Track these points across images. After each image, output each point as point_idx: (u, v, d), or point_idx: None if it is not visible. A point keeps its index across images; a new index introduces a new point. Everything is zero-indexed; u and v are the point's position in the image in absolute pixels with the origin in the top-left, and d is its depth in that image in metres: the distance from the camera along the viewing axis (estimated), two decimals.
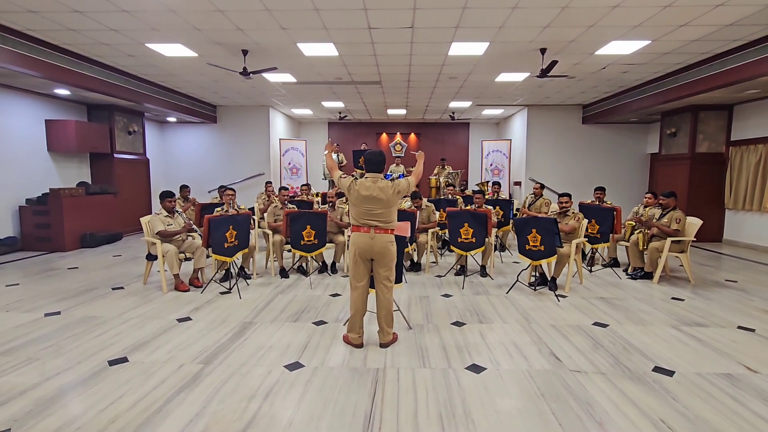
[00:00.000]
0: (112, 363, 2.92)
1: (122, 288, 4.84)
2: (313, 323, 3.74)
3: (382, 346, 3.23)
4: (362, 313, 3.22)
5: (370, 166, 3.20)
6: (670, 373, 2.81)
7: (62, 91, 7.27)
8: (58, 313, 3.96)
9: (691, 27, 5.05)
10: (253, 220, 6.46)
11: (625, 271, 5.66)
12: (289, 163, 11.43)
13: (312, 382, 2.67)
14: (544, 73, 6.03)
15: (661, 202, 5.26)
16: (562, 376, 2.77)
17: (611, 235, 5.56)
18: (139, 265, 5.90)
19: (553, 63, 5.74)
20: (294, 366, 2.90)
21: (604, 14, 4.72)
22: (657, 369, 2.87)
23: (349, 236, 3.78)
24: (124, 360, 2.97)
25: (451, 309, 4.14)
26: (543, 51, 5.95)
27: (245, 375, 2.76)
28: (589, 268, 5.84)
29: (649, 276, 5.27)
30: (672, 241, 5.01)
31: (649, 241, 5.26)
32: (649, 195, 5.86)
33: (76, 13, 4.78)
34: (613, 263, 5.92)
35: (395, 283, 3.62)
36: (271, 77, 7.72)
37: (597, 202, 6.02)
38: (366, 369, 2.86)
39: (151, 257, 4.92)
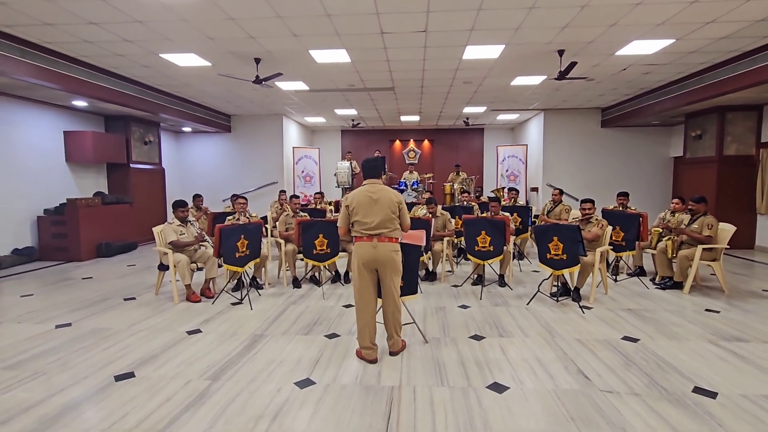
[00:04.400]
0: (118, 378, 2.83)
1: (134, 299, 4.80)
2: (325, 336, 3.60)
3: (393, 353, 3.16)
4: (371, 327, 3.07)
5: (366, 172, 3.14)
6: (713, 395, 2.58)
7: (80, 103, 7.37)
8: (69, 324, 3.91)
9: (719, 24, 4.81)
10: (266, 228, 6.40)
11: (653, 280, 5.38)
12: (303, 171, 11.41)
13: (323, 401, 2.53)
14: (562, 75, 5.84)
15: (690, 207, 4.99)
16: (593, 396, 2.56)
17: (637, 242, 5.29)
18: (152, 275, 5.86)
19: (572, 64, 5.55)
20: (305, 383, 2.76)
21: (626, 12, 4.53)
22: (697, 390, 2.64)
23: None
24: (130, 375, 2.88)
25: (469, 321, 3.96)
26: (561, 53, 5.76)
27: (254, 393, 2.64)
28: (614, 277, 5.58)
29: (678, 286, 4.98)
30: (703, 249, 4.73)
31: (678, 248, 4.99)
32: (676, 200, 5.58)
33: (92, 25, 4.81)
34: (640, 272, 5.64)
35: (410, 293, 3.50)
36: (283, 85, 7.71)
37: (620, 208, 5.77)
38: (380, 387, 2.70)
39: (163, 267, 4.86)
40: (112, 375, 2.88)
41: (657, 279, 5.28)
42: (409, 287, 3.47)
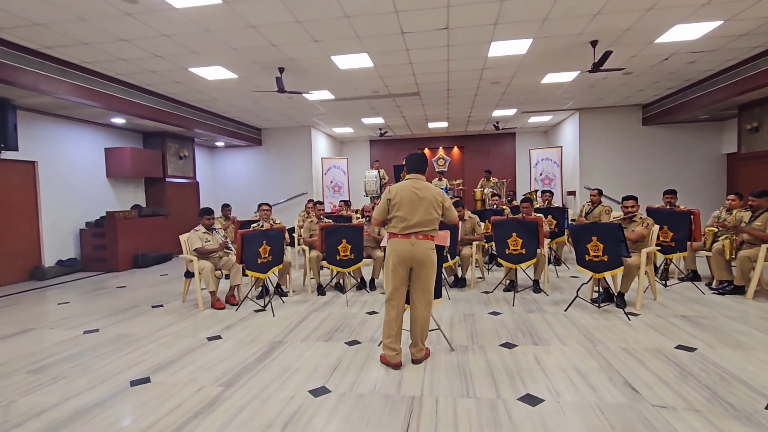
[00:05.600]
0: (134, 383, 2.78)
1: (161, 306, 4.84)
2: (345, 343, 3.43)
3: (415, 362, 2.96)
4: (399, 327, 2.89)
5: (410, 165, 2.99)
6: None
7: (118, 120, 7.74)
8: (97, 330, 3.96)
9: None
10: (292, 237, 6.38)
11: (709, 285, 4.85)
12: (332, 182, 11.45)
13: (337, 411, 2.35)
14: (596, 67, 5.50)
15: (751, 203, 4.47)
16: (643, 412, 2.23)
17: (689, 243, 4.80)
18: (182, 284, 5.94)
19: (607, 54, 5.20)
20: (319, 391, 2.59)
21: None
22: None
23: (384, 246, 3.49)
24: (146, 380, 2.82)
25: (499, 328, 3.66)
26: (594, 44, 5.43)
27: (266, 400, 2.49)
28: (664, 282, 5.08)
29: (740, 291, 4.45)
30: None
31: (738, 249, 4.47)
32: (732, 197, 5.06)
33: (123, 42, 5.01)
34: (693, 276, 5.11)
35: (435, 298, 3.26)
36: (310, 95, 7.76)
37: (668, 207, 5.28)
38: (400, 397, 2.49)
39: (189, 274, 4.89)
40: (128, 380, 2.83)
41: (714, 284, 4.76)
42: (434, 290, 3.25)
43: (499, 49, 5.60)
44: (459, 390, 2.54)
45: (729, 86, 6.79)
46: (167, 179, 9.06)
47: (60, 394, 2.65)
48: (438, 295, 3.30)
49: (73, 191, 7.45)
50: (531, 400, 2.39)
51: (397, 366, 2.86)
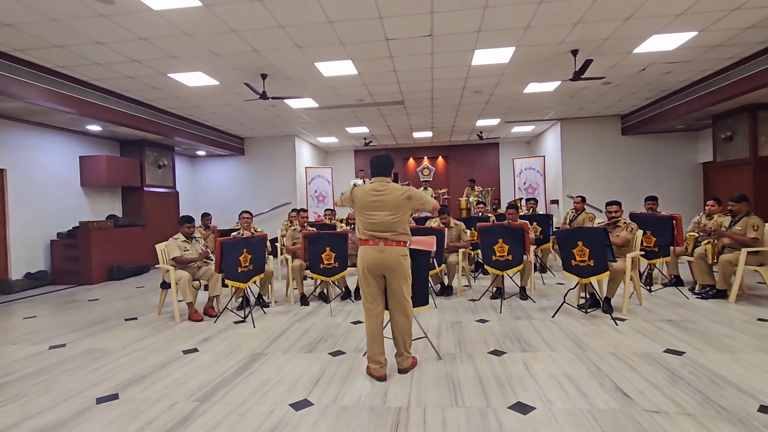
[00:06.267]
0: (100, 401, 2.59)
1: (135, 318, 4.61)
2: (329, 354, 3.30)
3: (402, 371, 2.84)
4: (379, 338, 2.77)
5: (375, 168, 2.86)
6: None
7: (94, 127, 7.49)
8: (64, 345, 3.72)
9: (745, 11, 4.49)
10: (274, 246, 6.21)
11: (692, 290, 4.89)
12: (316, 191, 11.33)
13: (320, 425, 2.21)
14: (577, 75, 5.58)
15: (730, 208, 4.54)
16: (636, 418, 2.17)
17: (671, 248, 4.84)
18: (159, 296, 5.71)
19: (588, 62, 5.28)
20: (301, 404, 2.45)
21: (642, 2, 4.27)
22: (765, 409, 2.21)
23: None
24: (114, 397, 2.63)
25: (487, 335, 3.58)
26: (575, 53, 5.52)
27: (243, 415, 2.34)
28: (648, 287, 5.10)
29: (722, 294, 4.49)
30: (748, 253, 4.26)
31: (720, 253, 4.52)
32: (711, 202, 5.14)
33: (99, 45, 4.85)
34: (676, 281, 5.15)
35: (421, 305, 3.19)
36: (293, 103, 7.68)
37: (650, 213, 5.34)
38: (386, 408, 2.37)
39: (166, 285, 4.68)
40: (94, 397, 2.63)
41: (697, 288, 4.80)
42: (419, 298, 3.17)
43: (483, 57, 5.64)
44: (447, 399, 2.44)
45: (703, 96, 7.00)
46: (145, 189, 8.80)
47: (18, 413, 2.44)
48: (424, 302, 3.21)
49: (45, 200, 7.14)
50: (522, 408, 2.31)
51: (382, 378, 2.74)
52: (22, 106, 5.91)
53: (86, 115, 6.35)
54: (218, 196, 11.33)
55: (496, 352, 3.18)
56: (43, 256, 7.11)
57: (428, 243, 3.27)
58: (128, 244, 7.95)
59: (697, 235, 4.97)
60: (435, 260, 4.72)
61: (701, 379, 2.60)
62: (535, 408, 2.30)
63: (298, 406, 2.43)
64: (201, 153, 10.91)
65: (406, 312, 2.78)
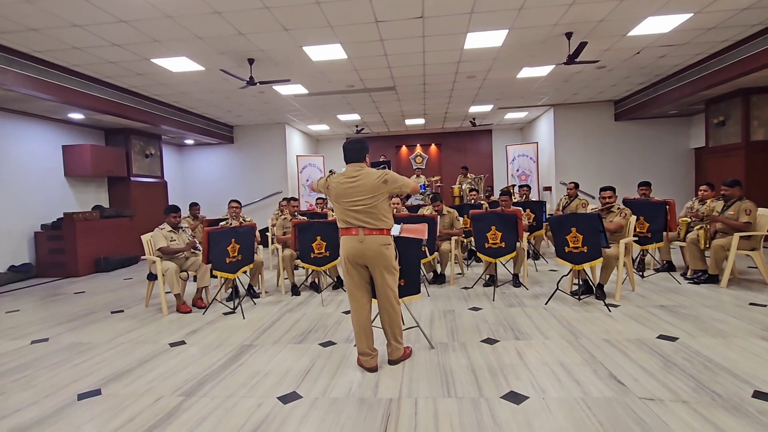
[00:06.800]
0: (81, 396, 2.50)
1: (122, 311, 4.51)
2: (319, 344, 3.24)
3: (392, 362, 2.76)
4: (366, 331, 2.70)
5: (348, 154, 2.71)
6: None
7: (77, 116, 7.26)
8: (46, 339, 3.62)
9: None
10: (265, 236, 6.11)
11: (684, 275, 4.89)
12: (307, 180, 11.18)
13: (308, 418, 2.16)
14: (571, 59, 5.47)
15: (723, 192, 4.51)
16: (630, 406, 2.13)
17: (664, 233, 4.82)
18: (146, 287, 5.60)
19: (582, 45, 5.17)
20: (289, 397, 2.39)
21: None
22: (759, 395, 2.19)
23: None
24: (96, 393, 2.55)
25: (480, 324, 3.54)
26: (569, 36, 5.40)
27: (230, 409, 2.28)
28: (640, 273, 5.09)
29: (714, 280, 4.49)
30: (741, 237, 4.25)
31: (712, 238, 4.51)
32: (704, 187, 5.12)
33: (76, 27, 4.65)
34: (668, 267, 5.14)
35: (412, 293, 3.13)
36: (282, 89, 7.50)
37: (644, 198, 5.30)
38: (377, 400, 2.32)
39: (153, 277, 4.58)
40: (75, 393, 2.55)
41: (689, 273, 4.81)
42: (410, 286, 3.11)
43: (475, 40, 5.51)
44: (439, 390, 2.39)
45: (697, 80, 6.94)
46: (132, 178, 8.60)
47: None
48: (416, 290, 3.15)
49: (27, 191, 6.94)
50: (515, 397, 2.27)
51: (373, 370, 2.68)
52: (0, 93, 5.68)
53: (67, 102, 6.14)
54: (208, 186, 11.15)
55: (489, 341, 3.14)
56: (28, 249, 6.94)
57: (419, 231, 3.19)
58: (115, 235, 7.79)
59: (689, 220, 4.95)
60: (427, 248, 4.66)
61: (695, 365, 2.57)
62: (528, 397, 2.26)
63: (286, 399, 2.37)
64: (189, 142, 10.68)
65: (391, 302, 2.69)
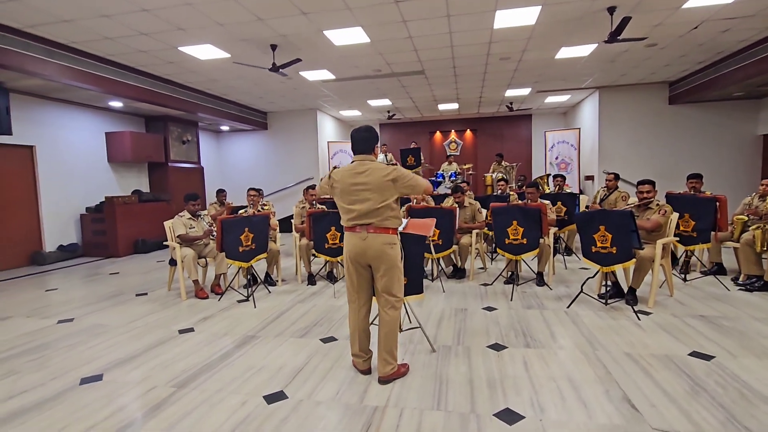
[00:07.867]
0: (84, 381, 2.60)
1: (146, 294, 4.70)
2: (320, 340, 3.18)
3: (381, 381, 2.44)
4: (362, 332, 2.58)
5: (355, 144, 2.54)
6: None
7: (117, 104, 7.60)
8: (71, 320, 3.83)
9: None
10: (291, 223, 6.12)
11: (735, 280, 4.37)
12: (338, 166, 11.14)
13: (288, 421, 2.09)
14: (613, 36, 4.94)
15: None
16: None
17: (713, 233, 4.30)
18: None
19: (625, 20, 4.64)
20: (275, 397, 2.34)
21: None
22: None
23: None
24: (98, 378, 2.63)
25: (491, 326, 3.33)
26: (611, 10, 4.87)
27: (215, 405, 2.26)
28: (683, 275, 4.61)
29: None
30: None
31: None
32: (766, 181, 4.50)
33: (104, 18, 4.77)
34: (717, 270, 4.62)
35: (415, 293, 2.97)
36: (309, 75, 7.42)
37: (692, 193, 4.76)
38: (361, 407, 2.21)
39: (173, 262, 4.72)
40: (80, 377, 2.65)
41: (741, 279, 4.28)
42: (412, 286, 2.95)
43: (506, 19, 5.11)
44: (429, 401, 2.24)
45: (766, 58, 6.08)
46: (170, 164, 8.95)
47: (6, 391, 2.49)
48: (419, 290, 2.98)
49: (74, 176, 7.40)
50: (509, 416, 2.08)
51: (366, 372, 2.56)
52: (43, 84, 6.01)
53: (106, 91, 6.41)
54: (243, 171, 11.41)
55: (496, 347, 2.93)
56: (74, 230, 7.43)
57: (425, 227, 3.01)
58: (153, 218, 8.15)
59: (746, 218, 4.39)
60: (444, 243, 4.47)
61: (729, 391, 2.24)
62: (524, 417, 2.06)
63: (271, 398, 2.32)
64: (225, 128, 10.94)
65: (393, 307, 2.49)
